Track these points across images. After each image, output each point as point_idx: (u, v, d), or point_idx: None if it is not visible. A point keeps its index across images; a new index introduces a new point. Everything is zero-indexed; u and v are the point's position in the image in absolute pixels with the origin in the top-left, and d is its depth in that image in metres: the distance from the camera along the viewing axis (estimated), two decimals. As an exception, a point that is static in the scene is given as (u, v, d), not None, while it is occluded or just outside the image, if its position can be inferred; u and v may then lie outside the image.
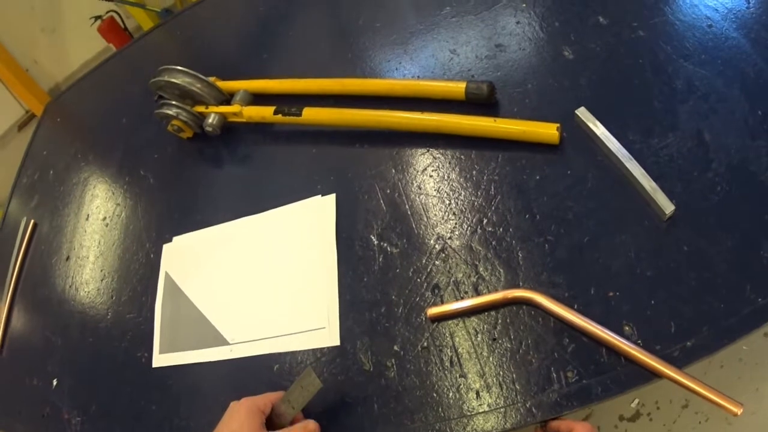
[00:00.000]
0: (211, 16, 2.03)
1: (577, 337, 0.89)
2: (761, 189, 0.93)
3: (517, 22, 1.32)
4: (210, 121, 1.43)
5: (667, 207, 0.93)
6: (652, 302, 0.88)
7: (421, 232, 1.09)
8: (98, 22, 5.08)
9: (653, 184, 0.95)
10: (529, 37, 1.29)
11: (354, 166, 1.25)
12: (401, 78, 1.33)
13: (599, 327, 0.86)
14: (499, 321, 0.95)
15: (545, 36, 1.27)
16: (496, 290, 0.97)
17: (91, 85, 2.13)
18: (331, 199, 1.21)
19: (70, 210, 1.63)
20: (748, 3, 1.19)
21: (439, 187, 1.13)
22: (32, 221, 1.67)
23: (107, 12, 5.08)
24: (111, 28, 5.09)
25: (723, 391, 0.79)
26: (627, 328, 0.87)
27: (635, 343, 0.85)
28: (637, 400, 1.67)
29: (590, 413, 1.72)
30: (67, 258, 1.52)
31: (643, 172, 0.97)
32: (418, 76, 1.34)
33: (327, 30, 1.64)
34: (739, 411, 0.76)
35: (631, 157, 0.99)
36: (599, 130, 1.04)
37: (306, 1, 1.76)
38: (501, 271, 0.99)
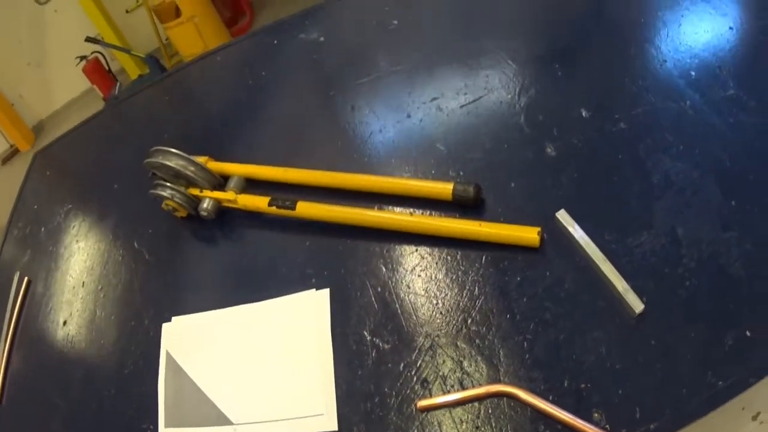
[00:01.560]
0: (201, 80, 2.28)
1: (551, 425, 1.07)
2: (728, 280, 1.12)
3: (503, 115, 1.56)
4: (205, 205, 1.60)
5: (637, 306, 1.13)
6: (620, 392, 1.06)
7: (411, 329, 1.27)
8: (83, 62, 5.34)
9: (625, 284, 1.16)
10: (515, 135, 1.51)
11: (346, 262, 1.44)
12: (392, 174, 1.55)
13: (571, 416, 1.05)
14: (482, 412, 1.14)
15: (530, 131, 1.50)
16: (479, 384, 1.16)
17: (79, 140, 2.33)
18: (326, 294, 1.40)
19: (64, 274, 1.79)
20: (728, 86, 1.41)
21: (427, 287, 1.32)
22: (26, 278, 1.82)
23: (92, 53, 5.34)
24: (95, 69, 5.38)
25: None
26: (596, 414, 1.06)
27: (603, 428, 1.04)
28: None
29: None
30: (64, 323, 1.66)
31: (616, 273, 1.18)
32: (409, 171, 1.55)
33: (318, 113, 1.87)
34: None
35: (605, 258, 1.20)
36: (577, 233, 1.25)
37: (294, 82, 2.00)
38: (484, 367, 1.18)
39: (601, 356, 1.11)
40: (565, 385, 1.11)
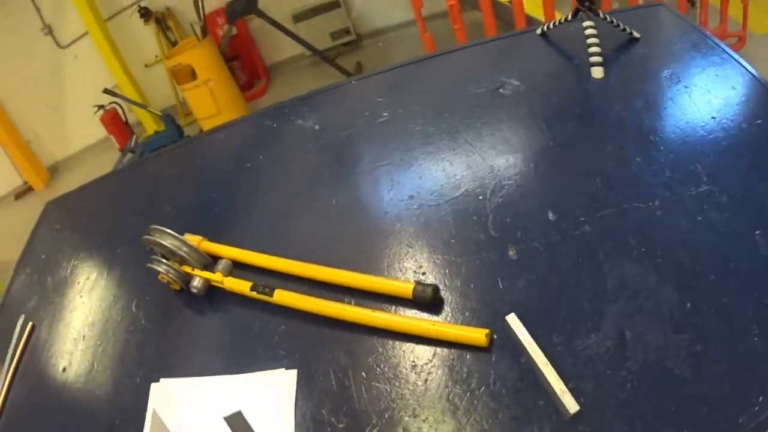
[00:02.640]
0: (206, 156, 2.55)
1: None
2: (673, 381, 1.23)
3: (474, 217, 1.72)
4: (195, 283, 1.80)
5: (572, 407, 1.25)
6: None
7: (363, 413, 1.40)
8: (101, 111, 5.58)
9: (563, 386, 1.29)
10: (481, 236, 1.67)
11: (314, 348, 1.58)
12: (363, 268, 1.71)
13: None
14: None
15: (495, 234, 1.66)
16: None
17: (90, 198, 2.54)
18: (293, 374, 1.57)
19: (67, 325, 1.95)
20: (701, 183, 1.55)
21: (381, 376, 1.45)
22: (30, 323, 1.99)
23: (110, 103, 5.58)
24: (113, 120, 5.66)
25: None
26: None
27: None
28: None
29: None
30: (64, 370, 1.81)
31: (556, 375, 1.31)
32: (378, 267, 1.72)
33: (305, 203, 2.06)
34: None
35: (547, 362, 1.34)
36: (524, 337, 1.40)
37: (287, 169, 2.22)
38: None
39: None
40: (499, 478, 1.24)
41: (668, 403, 1.21)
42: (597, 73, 2.06)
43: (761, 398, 1.17)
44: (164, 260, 1.84)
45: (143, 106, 5.79)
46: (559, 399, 1.28)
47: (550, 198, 1.70)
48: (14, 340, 1.96)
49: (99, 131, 6.16)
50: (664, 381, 1.24)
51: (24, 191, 6.53)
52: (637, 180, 1.65)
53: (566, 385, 1.29)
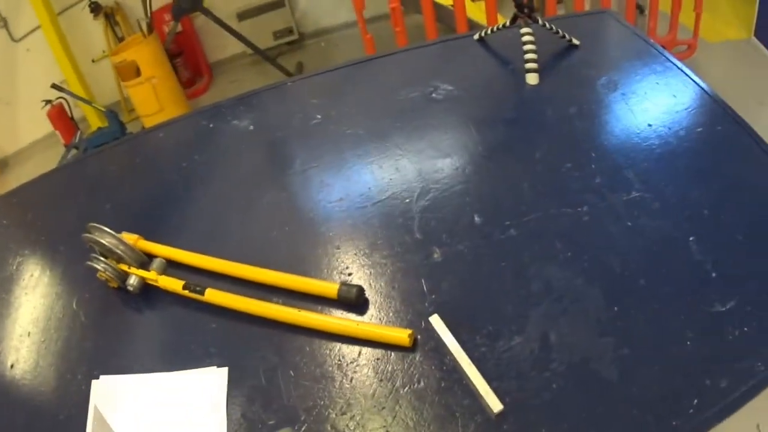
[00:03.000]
0: (144, 154, 2.49)
1: None
2: (600, 383, 1.24)
3: (400, 219, 1.73)
4: (131, 281, 1.79)
5: (496, 406, 1.26)
6: None
7: (292, 410, 1.40)
8: (48, 106, 5.50)
9: (486, 386, 1.30)
10: (406, 239, 1.68)
11: (244, 345, 1.59)
12: (291, 268, 1.71)
13: None
14: None
15: (420, 237, 1.66)
16: None
17: (36, 194, 2.49)
18: (224, 372, 1.56)
19: (13, 322, 1.92)
20: (633, 189, 1.57)
21: (307, 374, 1.46)
22: None
23: (57, 98, 5.50)
24: (59, 115, 5.55)
25: None
26: None
27: None
28: None
29: None
30: (12, 366, 1.78)
31: (479, 375, 1.32)
32: (305, 267, 1.72)
33: (236, 203, 2.05)
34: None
35: (471, 363, 1.35)
36: (447, 338, 1.41)
37: (221, 169, 2.21)
38: None
39: None
40: (422, 477, 1.24)
41: (595, 405, 1.23)
42: (532, 79, 2.08)
43: (696, 401, 1.18)
44: (102, 258, 1.82)
45: (88, 102, 5.71)
46: (483, 398, 1.29)
47: (476, 202, 1.71)
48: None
49: (46, 126, 6.03)
50: (591, 383, 1.25)
51: (-30, 186, 6.43)
52: (566, 185, 1.67)
53: (490, 385, 1.30)
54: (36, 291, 2.00)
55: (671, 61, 1.97)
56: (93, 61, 6.18)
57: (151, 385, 1.62)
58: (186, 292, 1.73)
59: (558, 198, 1.64)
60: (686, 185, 1.58)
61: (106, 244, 1.80)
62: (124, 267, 1.82)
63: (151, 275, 1.79)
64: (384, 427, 1.33)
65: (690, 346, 1.27)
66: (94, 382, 1.66)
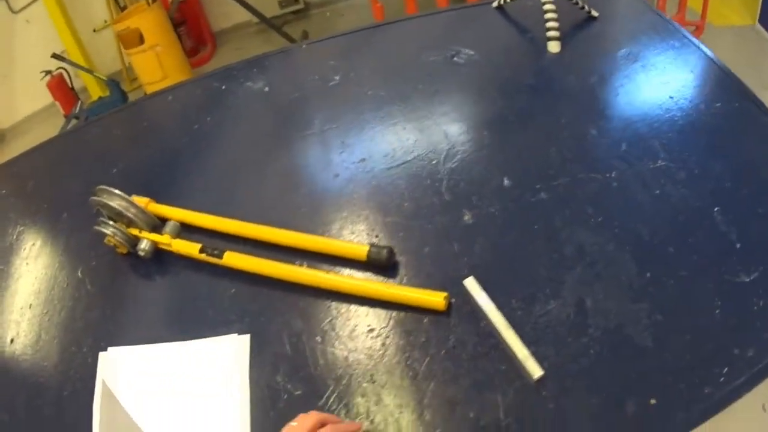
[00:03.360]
0: (152, 118, 2.41)
1: None
2: (635, 349, 1.20)
3: (427, 181, 1.66)
4: (143, 246, 1.69)
5: (536, 372, 1.21)
6: None
7: (319, 378, 1.34)
8: (48, 77, 5.39)
9: (525, 351, 1.24)
10: (435, 200, 1.61)
11: (266, 311, 1.52)
12: (315, 230, 1.64)
13: None
14: None
15: (449, 199, 1.60)
16: None
17: (36, 163, 2.39)
18: (246, 339, 1.48)
19: (13, 294, 1.84)
20: (658, 158, 1.50)
21: (337, 341, 1.40)
22: None
23: (57, 69, 5.39)
24: (59, 85, 5.43)
25: None
26: None
27: None
28: None
29: None
30: (12, 341, 1.71)
31: (518, 340, 1.26)
32: (331, 229, 1.65)
33: (253, 164, 1.97)
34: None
35: (509, 326, 1.28)
36: (483, 300, 1.34)
37: (236, 130, 2.12)
38: (384, 418, 1.25)
39: (497, 417, 1.18)
40: (460, 443, 1.18)
41: (631, 372, 1.18)
42: (553, 47, 2.01)
43: (726, 369, 1.15)
44: (111, 222, 1.72)
45: (89, 71, 5.61)
46: (522, 364, 1.23)
47: (504, 165, 1.65)
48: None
49: (45, 98, 5.92)
50: (626, 349, 1.21)
51: (-32, 161, 6.31)
52: (593, 152, 1.62)
53: (528, 350, 1.24)
54: (38, 261, 1.91)
55: (688, 38, 1.91)
56: (94, 30, 6.06)
57: (165, 356, 1.54)
58: (203, 256, 1.64)
59: (586, 163, 1.58)
60: (708, 158, 1.53)
61: (116, 206, 1.70)
62: (135, 231, 1.72)
63: (165, 239, 1.69)
64: (418, 396, 1.27)
65: (718, 316, 1.23)
66: (101, 354, 1.58)
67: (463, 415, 1.21)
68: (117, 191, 1.71)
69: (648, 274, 1.32)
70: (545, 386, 1.20)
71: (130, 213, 1.71)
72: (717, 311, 1.24)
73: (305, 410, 1.21)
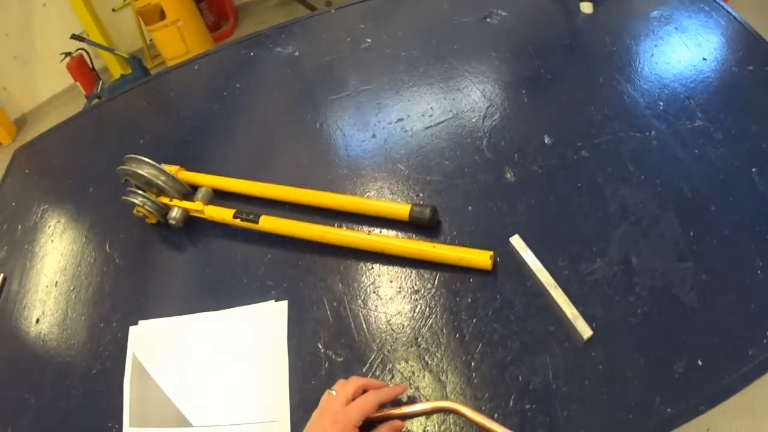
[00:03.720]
0: (179, 88, 2.32)
1: None
2: (682, 309, 1.17)
3: (466, 139, 1.60)
4: (173, 214, 1.65)
5: (585, 332, 1.16)
6: (565, 414, 1.10)
7: (362, 344, 1.31)
8: (68, 58, 5.35)
9: (574, 311, 1.20)
10: (476, 159, 1.56)
11: (305, 276, 1.48)
12: (353, 192, 1.60)
13: None
14: (429, 427, 1.17)
15: (491, 156, 1.54)
16: (427, 400, 1.19)
17: (59, 139, 2.35)
18: (284, 306, 1.44)
19: (39, 273, 1.81)
20: (695, 118, 1.46)
21: (380, 304, 1.36)
22: (2, 275, 1.83)
23: (77, 50, 5.35)
24: (79, 66, 5.38)
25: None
26: None
27: None
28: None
29: None
30: (37, 321, 1.68)
31: (566, 299, 1.22)
32: (370, 190, 1.60)
33: (287, 128, 1.91)
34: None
35: (556, 285, 1.24)
36: (529, 258, 1.29)
37: (267, 96, 2.05)
38: (432, 383, 1.21)
39: (547, 379, 1.15)
40: (511, 404, 1.14)
41: (679, 332, 1.15)
42: (586, 8, 1.95)
43: None
44: (140, 192, 1.67)
45: (110, 50, 5.57)
46: (571, 324, 1.19)
47: (544, 123, 1.59)
48: (-14, 294, 1.82)
49: (66, 79, 5.90)
50: (674, 309, 1.18)
51: (-9, 149, 6.27)
52: (631, 110, 1.56)
53: (576, 309, 1.20)
54: (63, 238, 1.88)
55: (717, 2, 1.85)
56: (113, 10, 6.01)
57: (199, 327, 1.50)
58: (237, 222, 1.59)
59: (625, 122, 1.53)
60: (743, 119, 1.47)
61: (145, 174, 1.65)
62: (165, 200, 1.68)
63: (197, 206, 1.64)
64: (466, 359, 1.23)
65: (761, 277, 1.20)
66: (131, 328, 1.55)
67: (511, 377, 1.18)
68: (146, 159, 1.66)
69: (691, 233, 1.28)
70: (594, 347, 1.16)
71: (160, 181, 1.66)
72: (759, 272, 1.20)
73: (347, 377, 1.19)
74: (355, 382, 1.15)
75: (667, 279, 1.21)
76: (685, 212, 1.32)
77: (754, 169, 1.37)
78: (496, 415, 1.13)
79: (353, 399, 1.12)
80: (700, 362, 1.10)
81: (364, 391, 1.15)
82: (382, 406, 1.16)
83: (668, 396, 1.07)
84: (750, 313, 1.15)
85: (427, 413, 1.18)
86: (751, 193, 1.33)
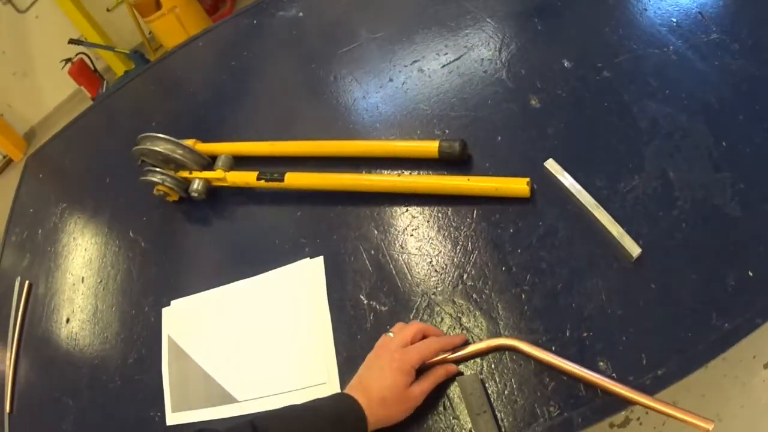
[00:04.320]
0: (185, 67, 2.26)
1: (556, 376, 1.05)
2: (725, 220, 1.10)
3: (485, 71, 1.53)
4: (195, 186, 1.59)
5: (634, 250, 1.10)
6: (624, 338, 1.04)
7: (407, 289, 1.26)
8: (68, 65, 5.29)
9: (620, 229, 1.13)
10: (498, 89, 1.49)
11: (338, 228, 1.42)
12: (377, 138, 1.53)
13: (575, 366, 1.02)
14: (485, 367, 1.12)
15: (513, 86, 1.47)
16: (480, 339, 1.14)
17: (69, 139, 2.32)
18: (320, 261, 1.38)
19: (64, 272, 1.78)
20: (710, 31, 1.38)
21: (420, 246, 1.31)
22: (27, 282, 1.82)
23: (77, 54, 5.29)
24: (81, 70, 5.33)
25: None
26: (601, 363, 1.03)
27: (609, 376, 1.01)
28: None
29: None
30: (68, 320, 1.66)
31: (610, 218, 1.15)
32: (394, 134, 1.53)
33: (301, 86, 1.85)
34: (710, 427, 0.90)
35: (598, 204, 1.17)
36: (567, 181, 1.23)
37: (276, 58, 1.98)
38: (483, 321, 1.16)
39: (601, 303, 1.09)
40: (567, 334, 1.09)
41: (726, 243, 1.08)
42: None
43: None
44: (158, 169, 1.62)
45: (110, 48, 5.51)
46: (618, 243, 1.12)
47: (561, 47, 1.52)
48: (14, 305, 1.80)
49: (69, 86, 5.87)
50: (717, 220, 1.11)
51: (4, 165, 6.22)
52: (646, 28, 1.48)
53: (622, 228, 1.14)
54: (85, 232, 1.85)
55: None
56: (108, 9, 5.93)
57: (234, 297, 1.45)
58: (261, 183, 1.53)
59: (642, 39, 1.46)
60: (757, 29, 1.40)
61: (162, 150, 1.59)
62: (185, 173, 1.62)
63: (218, 174, 1.58)
64: (517, 291, 1.17)
65: None
66: (164, 310, 1.51)
67: (565, 305, 1.12)
68: (161, 135, 1.60)
69: (724, 143, 1.21)
70: (643, 266, 1.10)
71: (177, 154, 1.61)
72: (794, 177, 1.14)
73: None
74: (415, 326, 1.11)
75: (707, 190, 1.15)
76: (714, 123, 1.25)
77: (775, 77, 1.29)
78: (553, 348, 1.08)
79: (411, 343, 1.08)
80: (750, 273, 1.03)
81: (423, 337, 1.11)
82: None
83: (724, 311, 1.01)
84: (792, 219, 1.10)
85: (482, 353, 1.12)
86: (775, 101, 1.26)
